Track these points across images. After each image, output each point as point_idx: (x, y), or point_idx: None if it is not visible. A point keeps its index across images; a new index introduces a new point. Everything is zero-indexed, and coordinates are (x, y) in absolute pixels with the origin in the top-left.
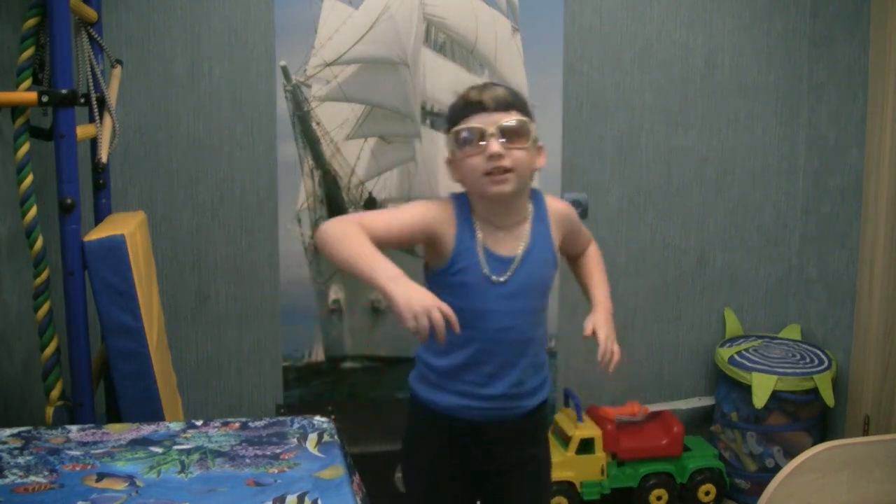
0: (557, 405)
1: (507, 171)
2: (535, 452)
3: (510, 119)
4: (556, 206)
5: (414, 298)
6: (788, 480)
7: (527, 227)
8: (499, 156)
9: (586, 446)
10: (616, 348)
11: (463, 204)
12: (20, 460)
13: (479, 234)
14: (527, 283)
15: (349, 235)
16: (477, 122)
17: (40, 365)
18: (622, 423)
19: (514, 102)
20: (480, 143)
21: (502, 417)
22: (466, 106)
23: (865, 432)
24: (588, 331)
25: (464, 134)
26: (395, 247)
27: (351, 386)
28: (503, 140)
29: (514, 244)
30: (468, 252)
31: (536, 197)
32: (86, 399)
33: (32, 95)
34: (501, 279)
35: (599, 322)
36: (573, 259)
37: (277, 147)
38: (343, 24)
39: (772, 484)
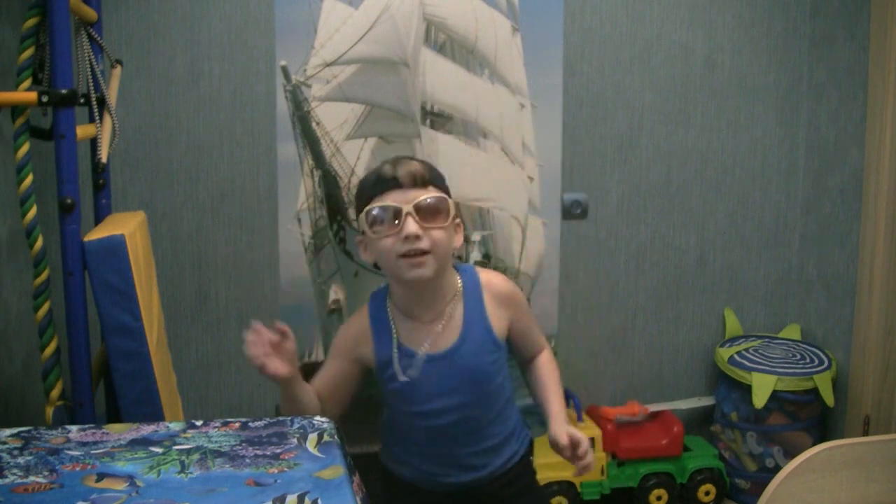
0: None
1: (424, 252)
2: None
3: (427, 196)
4: (496, 285)
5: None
6: (788, 480)
7: (454, 313)
8: (416, 237)
9: None
10: (591, 454)
11: (380, 306)
12: (20, 460)
13: (400, 335)
14: (463, 376)
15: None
16: (391, 199)
17: (40, 365)
18: (622, 423)
19: (430, 178)
20: (395, 222)
21: (476, 486)
22: (379, 182)
23: (865, 432)
24: (564, 440)
25: (376, 212)
26: (351, 391)
27: None
28: (420, 219)
29: (442, 337)
30: (389, 357)
31: (466, 273)
32: (86, 399)
33: (32, 95)
34: (431, 379)
35: (570, 429)
36: (523, 362)
37: (277, 147)
38: (343, 24)
39: (772, 484)
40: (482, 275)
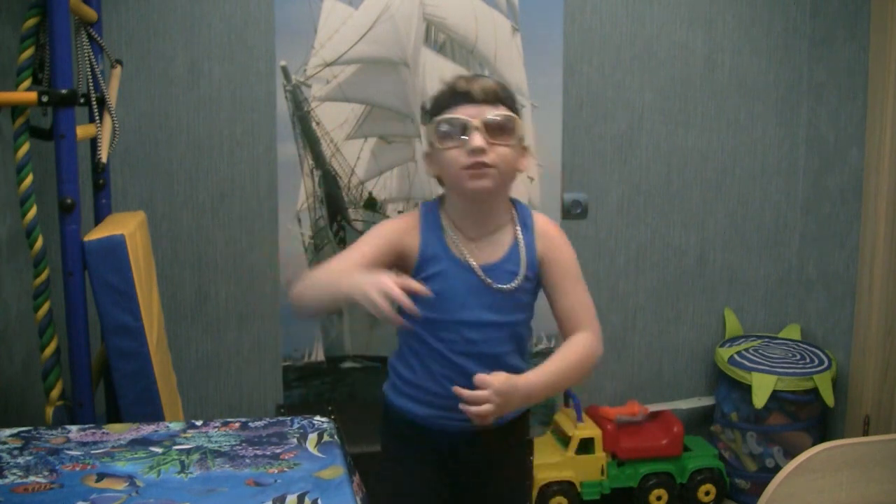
0: (557, 405)
1: (487, 166)
2: (510, 471)
3: (497, 113)
4: (545, 225)
5: (366, 284)
6: (788, 480)
7: (504, 237)
8: (481, 150)
9: (586, 446)
10: (487, 408)
11: (431, 210)
12: (20, 460)
13: (447, 240)
14: (496, 295)
15: (310, 277)
16: (462, 112)
17: (40, 365)
18: (622, 423)
19: (503, 97)
20: (463, 136)
21: (475, 429)
22: (452, 95)
23: (865, 432)
24: (477, 380)
25: (446, 125)
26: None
27: (351, 386)
28: (487, 135)
29: (485, 254)
30: (433, 260)
31: (520, 207)
32: (86, 399)
33: (32, 95)
34: (467, 290)
35: (495, 377)
36: (563, 335)
37: (277, 147)
38: (343, 24)
39: (772, 484)
40: (536, 214)
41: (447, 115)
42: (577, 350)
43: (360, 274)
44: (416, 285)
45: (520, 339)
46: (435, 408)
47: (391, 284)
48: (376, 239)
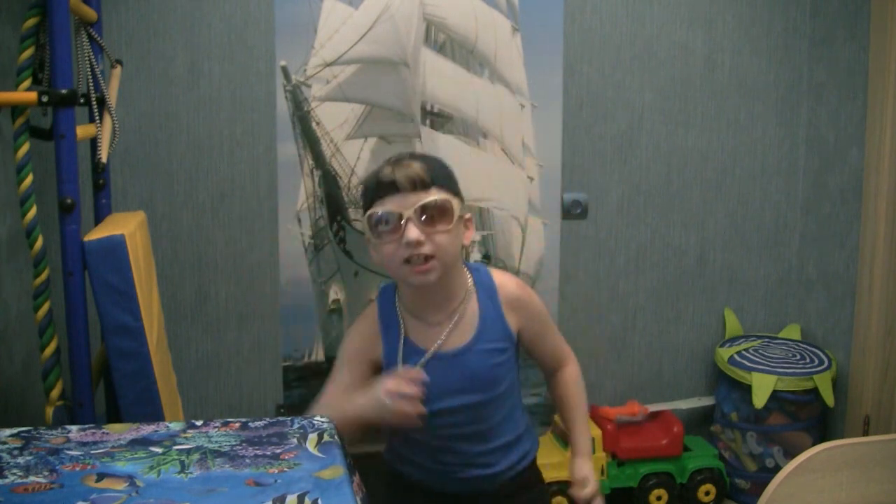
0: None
1: (428, 258)
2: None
3: (428, 199)
4: (508, 288)
5: (376, 396)
6: (788, 480)
7: (468, 314)
8: (417, 243)
9: None
10: (599, 499)
11: (388, 303)
12: (20, 460)
13: (410, 336)
14: (472, 377)
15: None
16: (391, 204)
17: (40, 365)
18: (622, 423)
19: (433, 179)
20: (397, 227)
21: (484, 487)
22: (379, 186)
23: (865, 432)
24: (578, 478)
25: (376, 217)
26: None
27: None
28: (423, 222)
29: (452, 337)
30: (398, 359)
31: (478, 272)
32: (86, 399)
33: (32, 95)
34: (440, 380)
35: (589, 473)
36: (546, 373)
37: (277, 147)
38: (343, 24)
39: (772, 484)
40: (496, 276)
41: (377, 209)
42: (579, 392)
43: (357, 396)
44: (412, 373)
45: (507, 403)
46: (436, 475)
47: (394, 384)
48: (347, 364)
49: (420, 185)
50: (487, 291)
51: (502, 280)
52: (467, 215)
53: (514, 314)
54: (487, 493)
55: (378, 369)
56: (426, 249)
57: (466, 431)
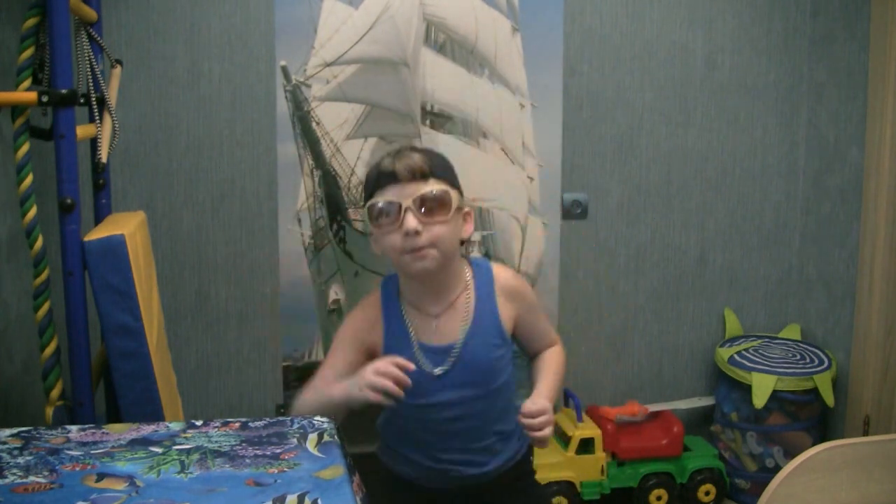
0: (557, 405)
1: (426, 247)
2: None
3: (427, 190)
4: (504, 279)
5: (362, 378)
6: (788, 480)
7: (467, 306)
8: (415, 233)
9: (586, 446)
10: (549, 428)
11: (391, 292)
12: (20, 460)
13: (410, 326)
14: (470, 370)
15: (302, 399)
16: (391, 194)
17: (40, 365)
18: (622, 423)
19: (432, 170)
20: (397, 217)
21: (478, 483)
22: (379, 176)
23: (865, 432)
24: (528, 407)
25: (377, 208)
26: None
27: None
28: (421, 213)
29: (451, 330)
30: (399, 348)
31: (478, 266)
32: (86, 399)
33: (32, 95)
34: (438, 372)
35: (540, 401)
36: (532, 357)
37: (277, 147)
38: (343, 24)
39: (772, 484)
40: (494, 268)
41: (377, 199)
42: (558, 360)
43: (345, 380)
44: (399, 361)
45: (504, 398)
46: (430, 471)
47: (378, 365)
48: (343, 346)
49: (419, 175)
50: (485, 285)
51: (498, 271)
52: (466, 209)
53: (510, 304)
54: (482, 491)
55: (372, 356)
56: (424, 240)
57: (462, 427)
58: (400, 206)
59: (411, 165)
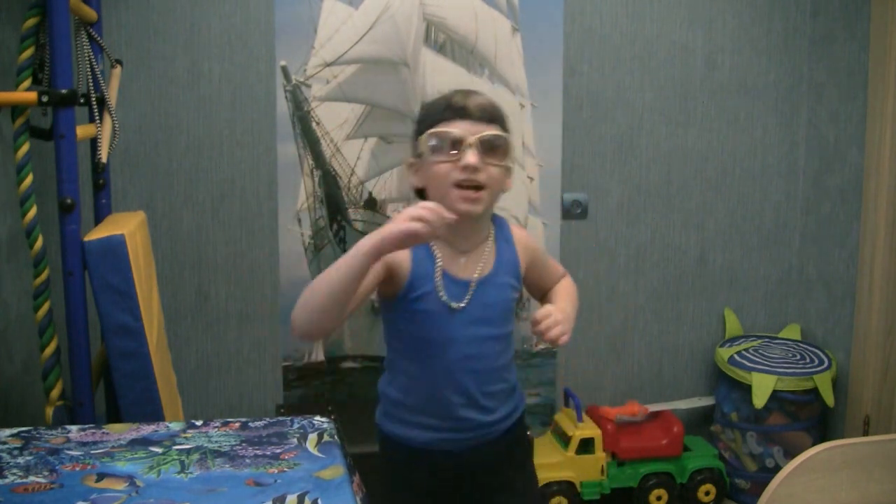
0: (557, 405)
1: (479, 188)
2: (518, 476)
3: (492, 132)
4: (521, 234)
5: (391, 225)
6: (788, 480)
7: (488, 248)
8: (475, 169)
9: (586, 446)
10: (558, 328)
11: None
12: (20, 460)
13: (438, 258)
14: (486, 307)
15: (309, 288)
16: (457, 127)
17: (40, 365)
18: (622, 423)
19: (497, 116)
20: (455, 150)
21: (478, 444)
22: (448, 109)
23: (865, 432)
24: (538, 314)
25: (438, 138)
26: (364, 293)
27: (351, 386)
28: (484, 150)
29: (474, 267)
30: (426, 277)
31: (498, 221)
32: (86, 399)
33: (32, 95)
34: (461, 305)
35: (549, 307)
36: (542, 296)
37: (277, 147)
38: (343, 24)
39: (772, 484)
40: (513, 228)
41: (441, 129)
42: (568, 287)
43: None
44: (434, 206)
45: (510, 346)
46: (434, 430)
47: (416, 207)
48: None
49: (487, 117)
50: (505, 234)
51: (514, 228)
52: (511, 164)
53: (524, 253)
54: (483, 458)
55: (392, 276)
56: (481, 177)
57: (473, 367)
58: (464, 140)
59: (483, 105)
